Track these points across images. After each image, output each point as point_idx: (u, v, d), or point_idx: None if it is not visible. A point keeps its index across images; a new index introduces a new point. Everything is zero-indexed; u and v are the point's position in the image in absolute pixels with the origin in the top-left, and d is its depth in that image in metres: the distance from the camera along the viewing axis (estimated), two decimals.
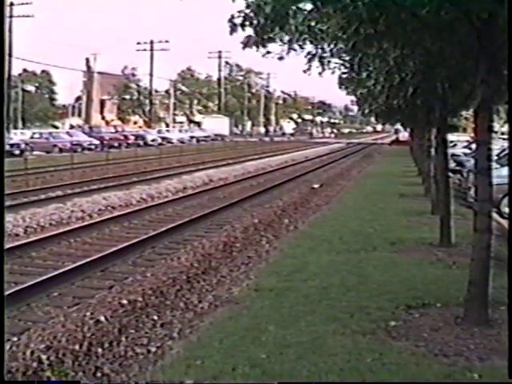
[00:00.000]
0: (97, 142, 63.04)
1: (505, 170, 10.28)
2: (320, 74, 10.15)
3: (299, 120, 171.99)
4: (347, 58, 10.65)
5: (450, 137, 21.09)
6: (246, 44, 8.70)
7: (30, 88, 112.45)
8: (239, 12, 8.38)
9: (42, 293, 10.96)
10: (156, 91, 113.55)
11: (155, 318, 9.52)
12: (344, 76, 14.63)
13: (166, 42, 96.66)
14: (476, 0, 7.42)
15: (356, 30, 7.80)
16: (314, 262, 12.27)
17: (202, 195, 26.03)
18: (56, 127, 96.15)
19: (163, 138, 79.19)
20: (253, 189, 28.50)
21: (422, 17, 7.81)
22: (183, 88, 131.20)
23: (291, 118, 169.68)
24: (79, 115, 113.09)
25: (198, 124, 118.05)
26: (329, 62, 10.20)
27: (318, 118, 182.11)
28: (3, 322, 6.05)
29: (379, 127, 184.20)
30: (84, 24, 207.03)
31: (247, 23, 8.33)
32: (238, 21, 8.42)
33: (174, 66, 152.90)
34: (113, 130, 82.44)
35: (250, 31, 8.51)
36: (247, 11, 8.29)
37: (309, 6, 8.34)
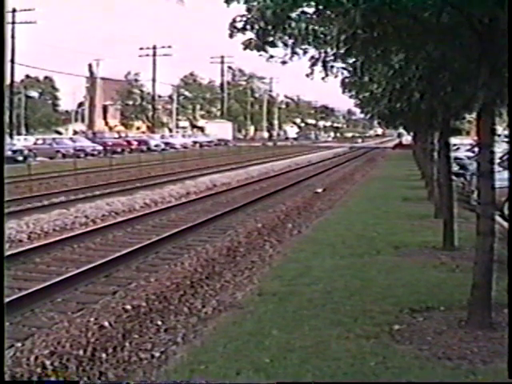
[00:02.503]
0: (100, 148, 63.08)
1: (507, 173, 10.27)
2: (323, 78, 10.14)
3: (302, 124, 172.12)
4: (350, 62, 10.64)
5: (453, 140, 21.10)
6: (247, 46, 8.70)
7: (33, 94, 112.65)
8: (241, 16, 8.40)
9: (45, 298, 10.96)
10: (159, 96, 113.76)
11: (159, 323, 9.53)
12: (347, 80, 14.63)
13: (169, 47, 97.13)
14: (477, 3, 7.43)
15: (354, 35, 7.82)
16: (317, 267, 12.27)
17: (206, 200, 26.03)
18: (59, 133, 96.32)
19: (166, 144, 79.17)
20: (256, 193, 28.49)
21: (423, 21, 7.83)
22: (186, 93, 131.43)
23: (294, 123, 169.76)
24: (82, 121, 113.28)
25: (201, 129, 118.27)
26: (332, 66, 10.19)
27: (321, 123, 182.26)
28: (3, 323, 6.06)
29: (379, 131, 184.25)
30: (86, 30, 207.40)
31: (248, 27, 8.34)
32: (240, 25, 8.44)
33: (177, 72, 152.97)
34: (116, 136, 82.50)
35: (250, 34, 8.53)
36: (249, 16, 8.31)
37: (311, 10, 8.36)
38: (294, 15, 8.31)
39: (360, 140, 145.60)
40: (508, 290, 7.30)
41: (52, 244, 15.43)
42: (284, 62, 9.41)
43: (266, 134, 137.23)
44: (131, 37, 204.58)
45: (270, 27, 8.18)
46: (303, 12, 8.41)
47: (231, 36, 8.54)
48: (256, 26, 8.26)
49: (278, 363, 7.21)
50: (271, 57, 9.22)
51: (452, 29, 8.20)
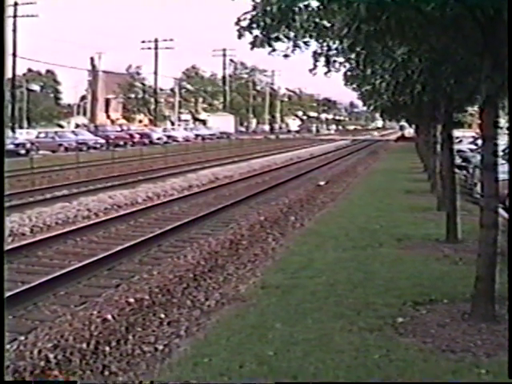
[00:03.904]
0: (102, 141, 63.01)
1: None
2: (326, 74, 10.14)
3: (304, 117, 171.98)
4: (353, 55, 10.62)
5: (456, 133, 21.06)
6: (254, 44, 8.69)
7: (35, 87, 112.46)
8: (245, 13, 8.40)
9: (48, 292, 10.97)
10: (161, 90, 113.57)
11: (162, 316, 9.52)
12: (349, 73, 14.62)
13: (171, 40, 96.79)
14: None
15: (358, 28, 7.81)
16: (320, 259, 12.26)
17: (208, 193, 26.03)
18: (61, 126, 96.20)
19: (169, 137, 79.05)
20: (258, 186, 28.49)
21: (426, 13, 7.81)
22: (188, 86, 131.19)
23: (296, 116, 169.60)
24: (84, 114, 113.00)
25: (204, 122, 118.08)
26: (334, 61, 10.19)
27: (323, 115, 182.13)
28: (3, 322, 6.06)
29: (380, 123, 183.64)
30: (88, 23, 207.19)
31: (254, 25, 8.34)
32: (245, 23, 8.44)
33: (179, 65, 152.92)
34: (118, 129, 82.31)
35: (256, 32, 8.52)
36: (253, 13, 8.30)
37: (314, 3, 8.35)
38: (297, 9, 8.29)
39: (376, 133, 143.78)
40: (508, 291, 7.32)
41: (54, 237, 15.44)
42: (286, 56, 9.40)
43: (267, 127, 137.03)
44: (133, 30, 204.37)
45: (275, 23, 8.17)
46: (306, 6, 8.40)
47: (240, 37, 8.55)
48: (261, 23, 8.25)
49: (281, 356, 7.22)
50: (273, 50, 9.21)
51: (455, 21, 8.18)
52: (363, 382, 6.66)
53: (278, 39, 8.70)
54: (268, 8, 7.96)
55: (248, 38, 8.62)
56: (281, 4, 7.85)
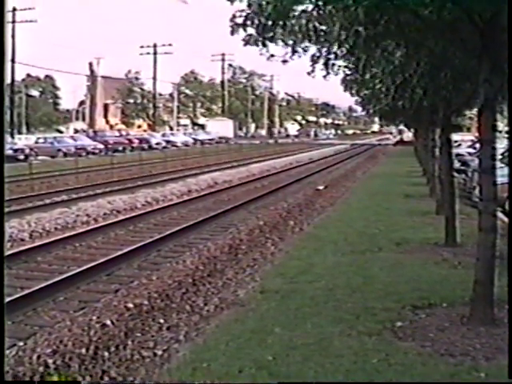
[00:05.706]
0: (101, 146, 62.93)
1: None
2: (324, 77, 10.13)
3: (303, 122, 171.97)
4: (352, 59, 10.63)
5: (455, 136, 21.08)
6: (247, 42, 8.69)
7: (34, 93, 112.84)
8: (241, 11, 8.40)
9: (47, 297, 10.96)
10: (160, 94, 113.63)
11: (161, 321, 9.51)
12: (348, 77, 14.62)
13: (170, 45, 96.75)
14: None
15: (356, 32, 7.81)
16: (319, 264, 12.26)
17: (207, 198, 26.03)
18: (60, 132, 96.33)
19: (167, 142, 79.05)
20: (257, 191, 28.49)
21: (424, 17, 7.82)
22: (187, 91, 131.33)
23: (295, 120, 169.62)
24: (83, 119, 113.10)
25: (202, 127, 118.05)
26: (333, 64, 10.18)
27: (322, 120, 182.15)
28: (3, 323, 6.06)
29: (376, 128, 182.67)
30: (87, 28, 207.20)
31: (249, 23, 8.33)
32: (240, 20, 8.44)
33: (178, 70, 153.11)
34: (117, 134, 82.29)
35: (251, 30, 8.52)
36: (249, 11, 8.30)
37: (311, 7, 8.35)
38: (294, 11, 8.29)
39: (391, 136, 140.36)
40: (508, 292, 7.31)
41: (54, 243, 15.44)
42: (285, 61, 9.39)
43: (264, 132, 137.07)
44: (132, 35, 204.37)
45: (270, 23, 8.18)
46: (304, 10, 8.40)
47: (232, 33, 8.55)
48: (256, 21, 8.25)
49: (280, 361, 7.21)
50: (272, 56, 9.22)
51: (453, 25, 8.19)
52: (364, 382, 6.66)
53: (272, 39, 8.69)
54: (263, 3, 7.94)
55: (243, 35, 8.63)
56: (276, 4, 7.84)
